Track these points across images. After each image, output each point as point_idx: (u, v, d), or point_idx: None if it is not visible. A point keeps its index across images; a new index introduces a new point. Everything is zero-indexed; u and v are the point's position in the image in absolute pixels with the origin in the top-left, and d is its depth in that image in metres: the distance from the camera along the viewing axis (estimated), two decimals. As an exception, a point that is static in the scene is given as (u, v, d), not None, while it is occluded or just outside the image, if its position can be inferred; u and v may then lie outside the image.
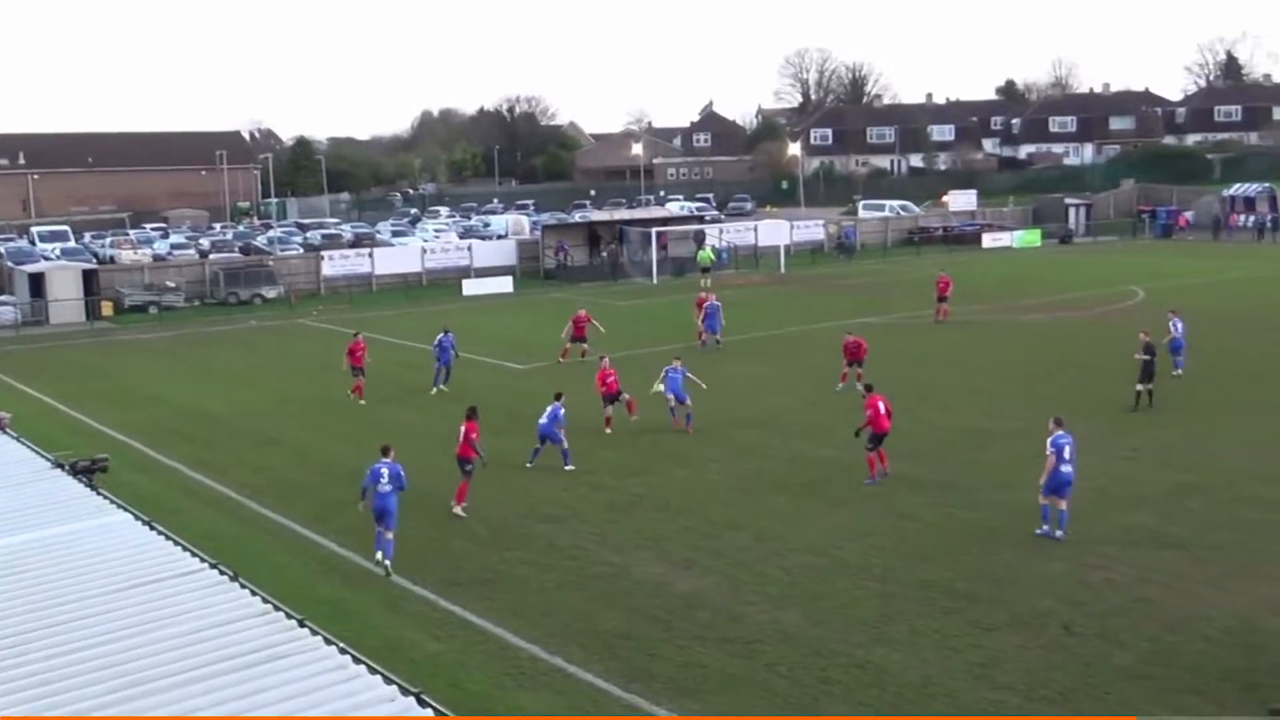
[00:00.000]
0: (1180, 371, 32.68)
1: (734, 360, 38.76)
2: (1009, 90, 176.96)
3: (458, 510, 22.56)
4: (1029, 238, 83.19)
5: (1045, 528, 20.35)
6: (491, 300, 58.03)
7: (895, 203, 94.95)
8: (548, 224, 78.37)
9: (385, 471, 19.67)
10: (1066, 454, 20.10)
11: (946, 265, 54.51)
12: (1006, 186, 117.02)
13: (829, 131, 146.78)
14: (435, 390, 34.28)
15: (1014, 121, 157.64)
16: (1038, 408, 30.20)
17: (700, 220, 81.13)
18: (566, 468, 25.34)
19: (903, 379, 35.23)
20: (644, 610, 17.70)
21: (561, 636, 16.83)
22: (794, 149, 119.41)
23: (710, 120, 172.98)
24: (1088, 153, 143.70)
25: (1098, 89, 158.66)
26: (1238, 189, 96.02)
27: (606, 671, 15.67)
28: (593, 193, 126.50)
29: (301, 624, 8.78)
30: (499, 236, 79.86)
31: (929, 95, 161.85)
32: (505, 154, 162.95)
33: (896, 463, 25.24)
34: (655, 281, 63.78)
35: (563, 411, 25.42)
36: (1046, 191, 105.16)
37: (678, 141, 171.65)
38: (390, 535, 19.51)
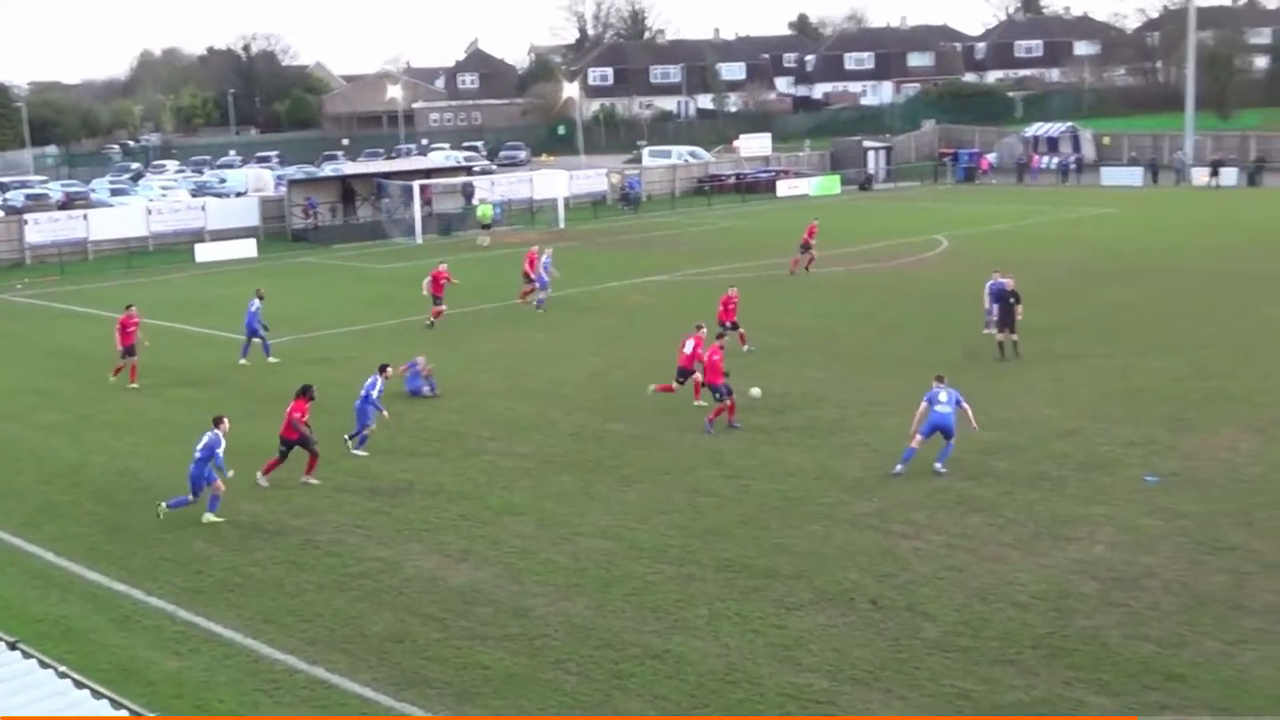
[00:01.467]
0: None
1: (508, 327, 38.77)
2: (802, 25, 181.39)
3: (262, 480, 23.17)
4: (827, 184, 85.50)
5: (899, 468, 22.59)
6: (231, 267, 56.40)
7: (683, 149, 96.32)
8: (294, 179, 76.77)
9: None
10: (943, 397, 22.50)
11: (815, 215, 54.89)
12: (802, 129, 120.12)
13: (609, 71, 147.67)
14: (244, 361, 34.30)
15: (808, 59, 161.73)
16: (836, 368, 31.40)
17: (468, 171, 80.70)
18: (356, 452, 25.14)
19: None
20: (416, 609, 17.61)
21: (323, 644, 16.61)
22: (571, 90, 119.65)
23: (477, 59, 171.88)
24: (886, 91, 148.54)
25: (894, 23, 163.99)
26: (1040, 129, 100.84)
27: (376, 680, 15.54)
28: (345, 142, 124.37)
29: (13, 646, 8.42)
30: (238, 194, 77.74)
31: (716, 30, 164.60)
32: (242, 99, 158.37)
33: (688, 435, 25.76)
34: (420, 241, 63.16)
35: (380, 386, 25.33)
36: (844, 134, 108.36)
37: (440, 83, 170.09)
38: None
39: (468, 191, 72.42)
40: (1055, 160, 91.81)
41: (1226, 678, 14.68)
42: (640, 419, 27.16)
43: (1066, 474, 22.47)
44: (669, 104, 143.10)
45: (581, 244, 59.48)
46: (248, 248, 60.75)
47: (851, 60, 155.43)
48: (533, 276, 41.31)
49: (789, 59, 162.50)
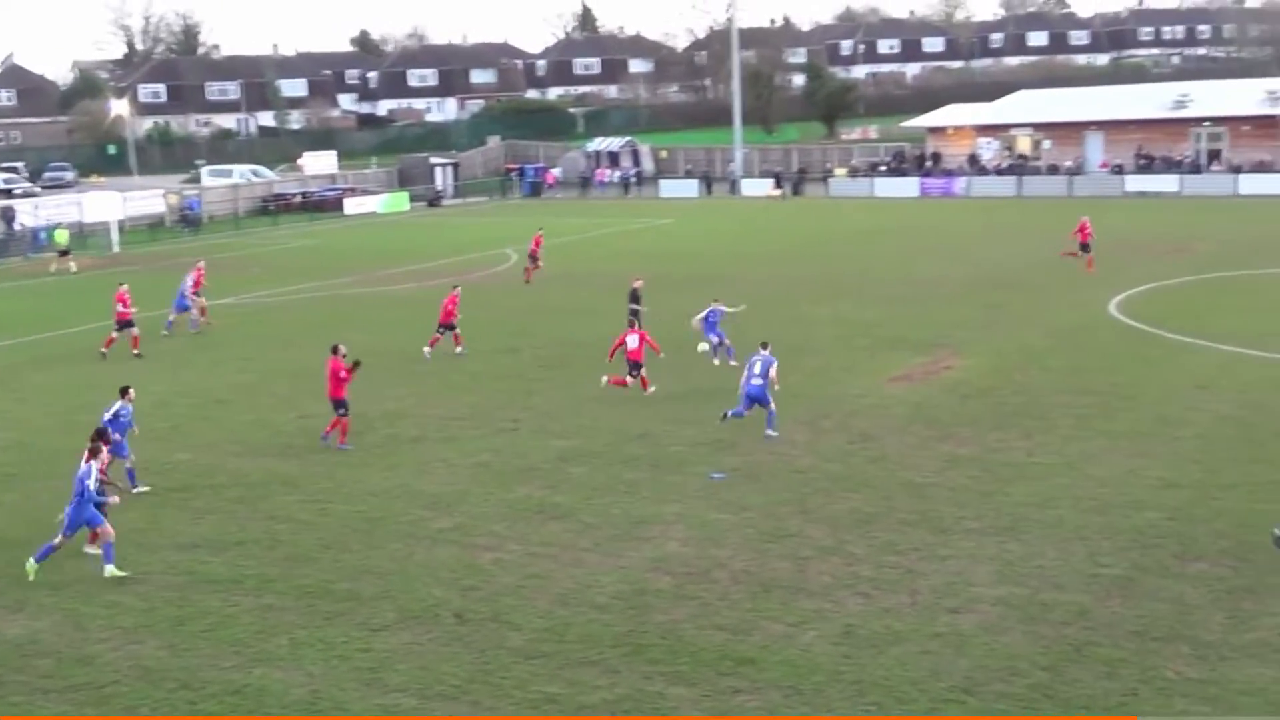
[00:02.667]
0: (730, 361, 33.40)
1: (63, 363, 36.48)
2: (364, 42, 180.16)
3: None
4: (396, 201, 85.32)
5: (728, 415, 25.55)
6: None
7: (245, 167, 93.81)
8: None
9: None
10: (757, 368, 25.07)
11: (542, 225, 53.91)
12: (368, 146, 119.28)
13: (161, 87, 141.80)
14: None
15: (371, 75, 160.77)
16: (413, 385, 31.32)
17: (8, 195, 75.43)
18: (135, 490, 22.67)
19: (270, 363, 34.99)
20: (-34, 668, 16.25)
21: None
22: (120, 108, 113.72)
23: (13, 75, 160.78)
24: (450, 108, 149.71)
25: (456, 40, 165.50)
26: (602, 144, 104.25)
27: (-79, 750, 14.25)
28: None
29: None
30: None
31: (275, 46, 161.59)
32: None
33: (263, 460, 25.09)
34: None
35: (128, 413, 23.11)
36: (411, 150, 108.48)
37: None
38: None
39: (8, 216, 67.64)
40: (617, 174, 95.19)
41: (791, 658, 15.60)
42: (209, 448, 26.18)
43: (640, 476, 23.29)
44: (228, 121, 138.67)
45: (141, 268, 56.69)
46: None
47: (415, 77, 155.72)
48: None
49: (352, 75, 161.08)
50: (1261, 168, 77.68)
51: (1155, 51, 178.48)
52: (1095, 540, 18.99)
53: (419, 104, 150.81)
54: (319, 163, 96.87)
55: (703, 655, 15.77)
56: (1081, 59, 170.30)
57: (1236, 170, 77.82)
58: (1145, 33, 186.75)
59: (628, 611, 17.19)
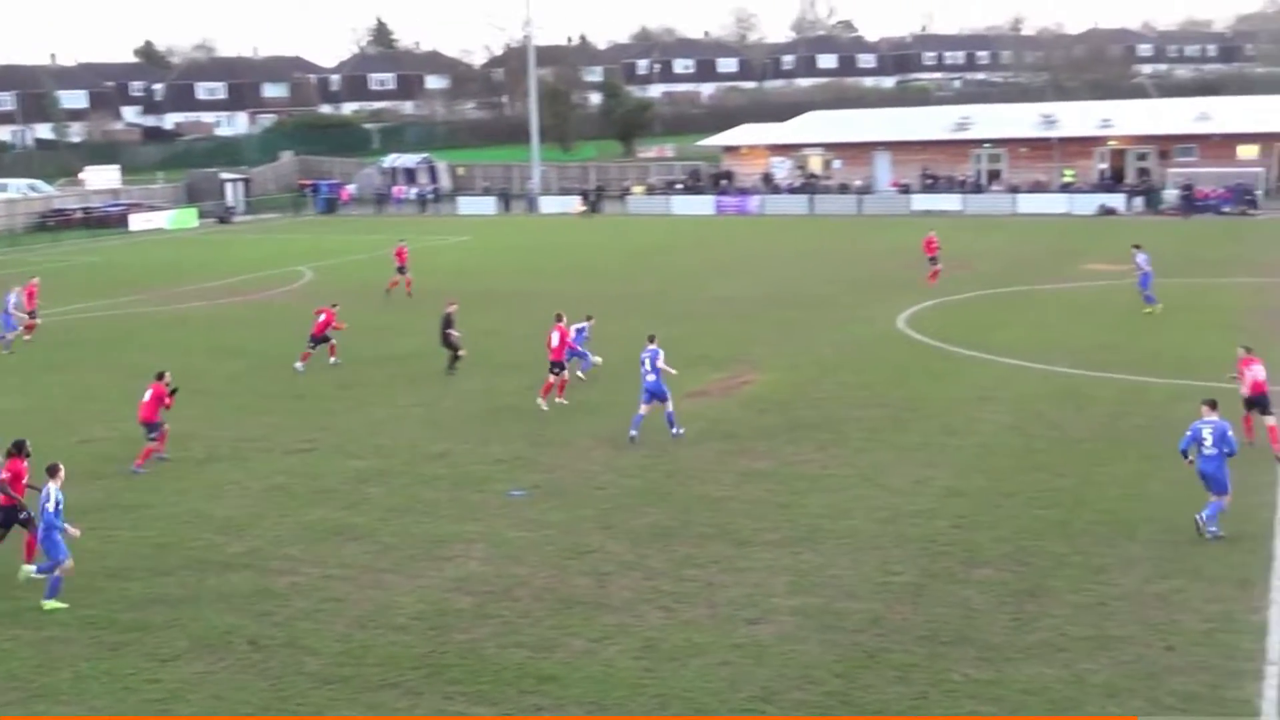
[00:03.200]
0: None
1: None
2: (148, 52, 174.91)
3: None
4: (184, 218, 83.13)
5: (634, 433, 26.02)
6: None
7: (21, 182, 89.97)
8: None
9: None
10: (647, 364, 26.14)
11: (400, 239, 52.44)
12: (154, 160, 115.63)
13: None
14: None
15: (157, 88, 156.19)
16: (202, 405, 30.41)
17: None
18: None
19: (47, 386, 33.68)
20: None
21: None
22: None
23: None
24: (241, 122, 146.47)
25: (246, 53, 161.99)
26: (398, 160, 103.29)
27: None
28: None
29: None
30: None
31: (54, 56, 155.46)
32: None
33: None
34: None
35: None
36: (200, 165, 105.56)
37: None
38: None
39: None
40: (414, 190, 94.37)
41: (593, 673, 15.65)
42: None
43: (439, 495, 23.10)
44: (3, 134, 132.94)
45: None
46: None
47: (203, 90, 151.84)
48: None
49: (136, 88, 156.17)
50: (1038, 187, 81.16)
51: (938, 75, 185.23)
52: (887, 549, 19.53)
53: (208, 118, 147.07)
54: (101, 177, 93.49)
55: (505, 674, 15.70)
56: (869, 81, 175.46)
57: (1015, 190, 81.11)
58: (929, 57, 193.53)
59: (428, 632, 17.01)
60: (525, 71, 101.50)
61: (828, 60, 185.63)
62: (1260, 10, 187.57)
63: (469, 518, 21.75)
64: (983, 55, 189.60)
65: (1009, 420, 27.25)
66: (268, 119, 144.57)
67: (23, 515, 19.60)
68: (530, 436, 26.95)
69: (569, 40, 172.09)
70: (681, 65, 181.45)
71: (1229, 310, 39.12)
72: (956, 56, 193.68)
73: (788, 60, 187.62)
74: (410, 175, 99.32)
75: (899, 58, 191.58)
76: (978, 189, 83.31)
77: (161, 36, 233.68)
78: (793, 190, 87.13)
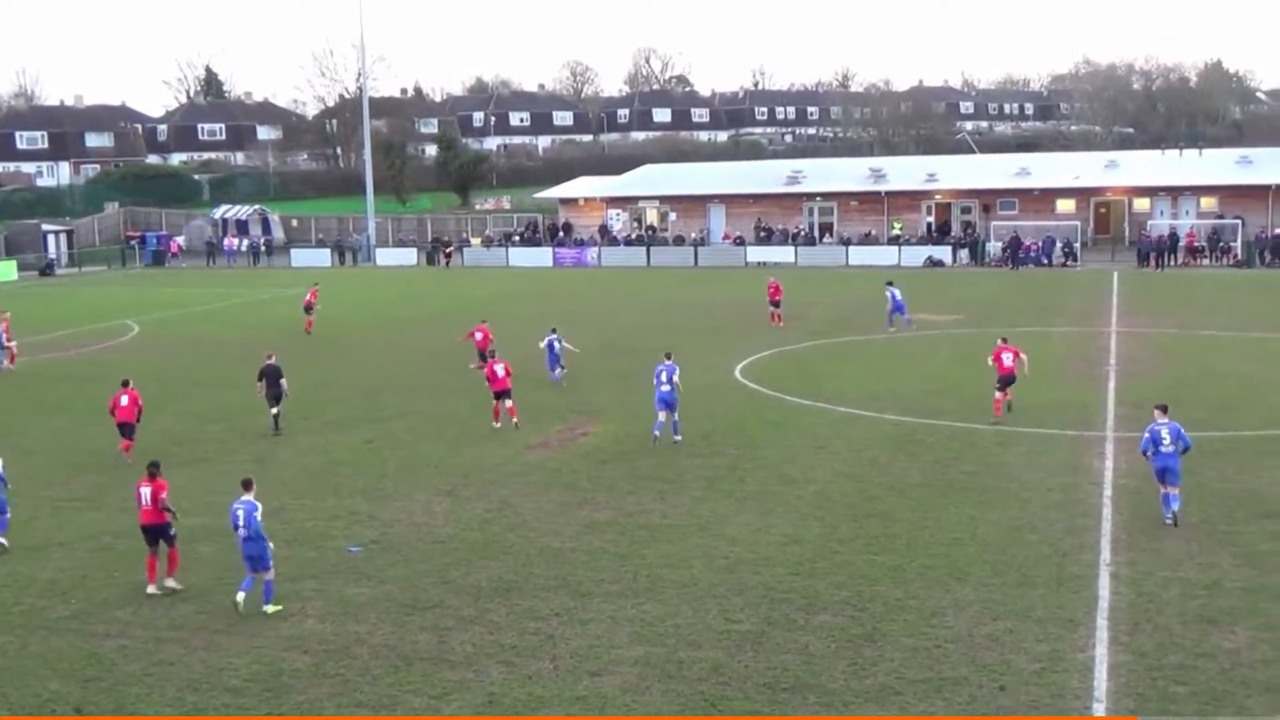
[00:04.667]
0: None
1: None
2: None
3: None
4: (2, 271, 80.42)
5: (657, 434, 29.77)
6: None
7: None
8: None
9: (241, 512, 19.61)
10: (664, 376, 29.91)
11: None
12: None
13: None
14: None
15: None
16: (23, 464, 29.28)
17: None
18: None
19: None
20: None
21: None
22: None
23: None
24: (63, 172, 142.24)
25: (69, 101, 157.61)
26: (229, 211, 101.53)
27: None
28: None
29: None
30: None
31: None
32: None
33: None
34: None
35: None
36: (19, 217, 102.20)
37: None
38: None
39: None
40: (246, 242, 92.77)
41: (435, 730, 15.45)
42: None
43: (275, 552, 22.58)
44: None
45: None
46: None
47: (23, 139, 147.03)
48: None
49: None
50: (867, 240, 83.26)
51: (770, 130, 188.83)
52: (727, 597, 19.70)
53: (28, 167, 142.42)
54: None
55: (343, 734, 15.41)
56: (703, 135, 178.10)
57: (846, 242, 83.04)
58: (760, 112, 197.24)
59: (264, 694, 16.61)
60: (359, 123, 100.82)
61: (662, 114, 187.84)
62: (1073, 71, 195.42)
63: (304, 575, 21.32)
64: (813, 111, 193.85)
65: (844, 468, 27.75)
66: (92, 169, 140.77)
67: (172, 531, 20.94)
68: (368, 491, 26.59)
69: (404, 92, 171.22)
70: (517, 118, 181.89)
71: (1054, 359, 40.46)
72: (788, 111, 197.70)
73: (623, 114, 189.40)
74: (242, 226, 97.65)
75: (731, 112, 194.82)
76: (811, 241, 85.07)
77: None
78: (629, 242, 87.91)
